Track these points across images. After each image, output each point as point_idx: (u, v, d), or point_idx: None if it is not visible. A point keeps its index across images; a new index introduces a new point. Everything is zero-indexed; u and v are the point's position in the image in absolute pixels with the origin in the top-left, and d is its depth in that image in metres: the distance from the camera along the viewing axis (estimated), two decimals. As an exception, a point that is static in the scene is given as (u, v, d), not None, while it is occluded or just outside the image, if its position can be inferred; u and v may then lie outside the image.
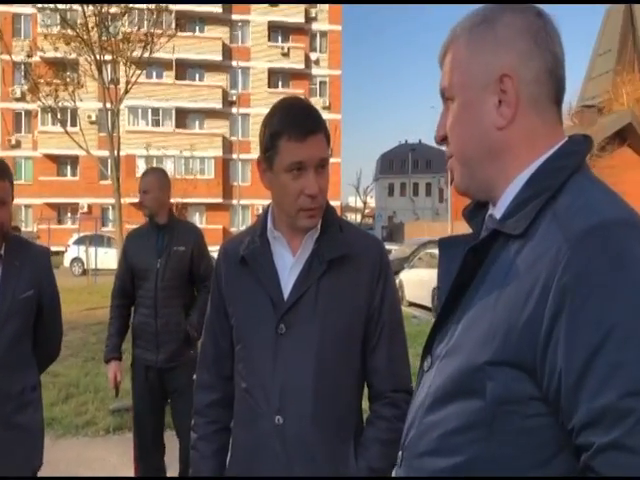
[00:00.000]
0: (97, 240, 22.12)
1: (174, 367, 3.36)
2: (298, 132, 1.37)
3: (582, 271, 0.76)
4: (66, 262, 24.31)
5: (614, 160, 25.30)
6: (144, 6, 10.83)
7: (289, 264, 1.46)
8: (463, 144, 0.95)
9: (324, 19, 39.40)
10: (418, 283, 13.92)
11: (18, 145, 35.01)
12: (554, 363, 0.77)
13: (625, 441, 0.71)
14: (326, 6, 39.29)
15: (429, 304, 13.39)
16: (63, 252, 24.98)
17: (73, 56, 10.57)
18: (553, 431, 0.79)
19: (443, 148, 1.02)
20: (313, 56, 39.20)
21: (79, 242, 23.15)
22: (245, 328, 1.49)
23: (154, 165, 27.69)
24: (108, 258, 20.91)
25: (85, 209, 34.74)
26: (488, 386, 0.82)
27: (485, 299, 0.87)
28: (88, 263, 20.57)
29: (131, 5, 10.67)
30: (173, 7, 12.42)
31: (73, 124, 15.11)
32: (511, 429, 0.81)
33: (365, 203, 60.46)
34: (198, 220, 33.75)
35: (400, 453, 0.99)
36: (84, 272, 20.11)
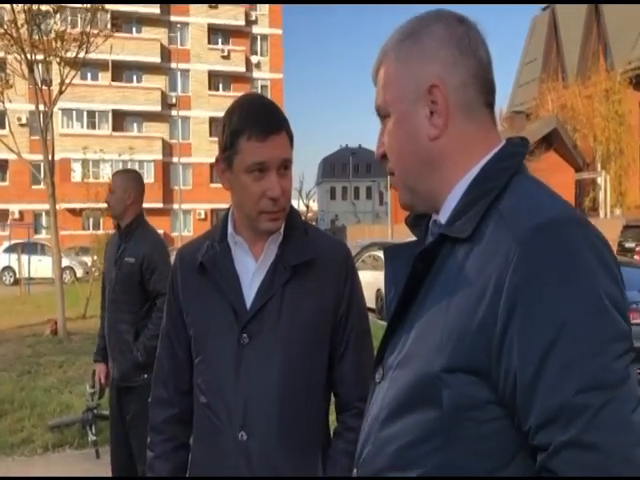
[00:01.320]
0: (30, 248, 21.12)
1: (128, 388, 3.16)
2: (259, 131, 1.30)
3: (533, 270, 0.76)
4: (-4, 271, 23.19)
5: (542, 164, 26.45)
6: (78, 5, 10.43)
7: (251, 270, 1.39)
8: (401, 159, 0.95)
9: (265, 22, 39.31)
10: (362, 285, 13.99)
11: (-59, 148, 33.19)
12: (509, 364, 0.76)
13: (582, 438, 0.71)
14: (266, 9, 39.20)
15: (373, 306, 13.51)
16: (-7, 261, 23.79)
17: (1, 55, 10.07)
18: (510, 434, 0.78)
19: None
20: (254, 59, 39.03)
21: (10, 250, 22.09)
22: (205, 339, 1.40)
23: (91, 169, 26.80)
24: (43, 266, 20.04)
25: (16, 215, 33.23)
26: (444, 394, 0.80)
27: (436, 305, 0.85)
28: (20, 272, 19.64)
29: (64, 3, 10.26)
30: (109, 7, 12.02)
31: (1, 126, 14.40)
32: (469, 436, 0.80)
33: (308, 207, 60.63)
34: (137, 225, 32.86)
35: (355, 470, 0.96)
36: (16, 282, 19.16)
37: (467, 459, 0.80)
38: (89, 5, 10.31)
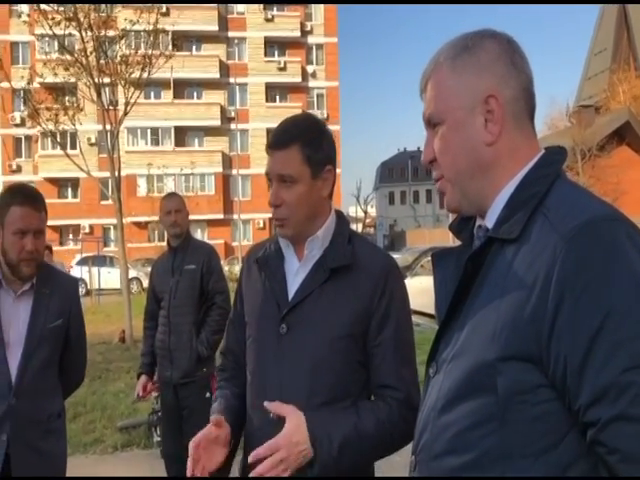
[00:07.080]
0: (100, 260, 22.20)
1: (187, 384, 3.49)
2: (269, 146, 1.52)
3: (579, 262, 0.84)
4: (70, 283, 24.29)
5: (613, 159, 25.07)
6: (141, 28, 10.99)
7: (295, 269, 1.56)
8: (455, 163, 1.02)
9: (320, 32, 39.70)
10: (421, 291, 13.85)
11: (19, 170, 35.20)
12: (559, 350, 0.84)
13: (629, 411, 0.79)
14: (321, 19, 39.61)
15: (432, 311, 13.31)
16: (67, 273, 24.96)
17: (72, 81, 10.72)
18: (561, 414, 0.86)
19: None
20: (310, 69, 39.45)
21: (82, 263, 23.16)
22: (253, 325, 1.59)
23: (155, 184, 27.87)
24: (111, 278, 20.96)
25: (87, 230, 34.86)
26: (499, 381, 0.88)
27: (488, 301, 0.94)
28: (91, 283, 20.63)
29: (128, 28, 10.84)
30: (170, 27, 12.59)
31: (73, 147, 15.27)
32: (522, 418, 0.88)
33: (366, 212, 60.18)
34: (200, 236, 33.77)
35: (413, 458, 1.04)
36: (87, 292, 20.16)
37: (520, 440, 0.87)
38: (151, 28, 10.86)
